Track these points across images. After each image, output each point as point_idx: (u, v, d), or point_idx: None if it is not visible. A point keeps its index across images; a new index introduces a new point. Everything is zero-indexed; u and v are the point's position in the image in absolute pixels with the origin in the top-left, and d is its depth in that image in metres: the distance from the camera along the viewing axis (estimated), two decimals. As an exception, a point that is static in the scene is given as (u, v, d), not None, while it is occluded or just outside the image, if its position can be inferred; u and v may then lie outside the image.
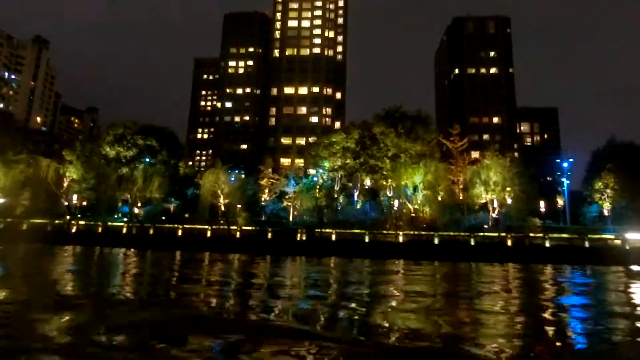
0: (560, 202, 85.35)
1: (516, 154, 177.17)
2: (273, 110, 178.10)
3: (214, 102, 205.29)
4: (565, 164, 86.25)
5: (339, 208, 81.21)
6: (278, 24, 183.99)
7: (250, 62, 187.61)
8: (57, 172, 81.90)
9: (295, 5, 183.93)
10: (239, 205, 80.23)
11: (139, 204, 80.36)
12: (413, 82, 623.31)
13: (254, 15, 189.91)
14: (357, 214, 78.27)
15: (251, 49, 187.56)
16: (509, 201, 75.67)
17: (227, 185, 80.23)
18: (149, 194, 78.44)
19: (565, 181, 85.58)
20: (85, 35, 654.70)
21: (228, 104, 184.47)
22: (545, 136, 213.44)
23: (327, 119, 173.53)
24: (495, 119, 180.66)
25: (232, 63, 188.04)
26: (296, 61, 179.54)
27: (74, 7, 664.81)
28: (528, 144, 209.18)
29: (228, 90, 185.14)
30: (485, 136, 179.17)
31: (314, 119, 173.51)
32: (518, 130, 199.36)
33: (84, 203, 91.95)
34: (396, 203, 76.02)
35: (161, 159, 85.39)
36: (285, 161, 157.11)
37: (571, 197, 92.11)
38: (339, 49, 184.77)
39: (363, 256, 62.60)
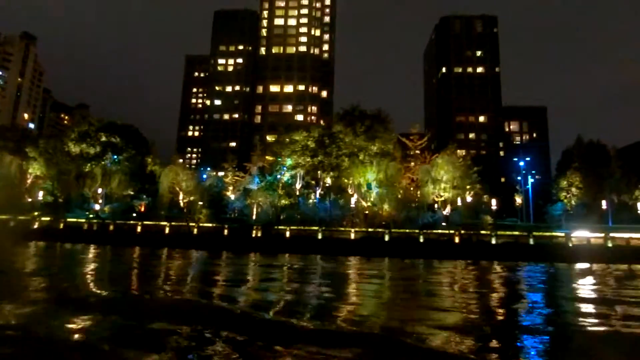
0: (518, 200, 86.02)
1: (502, 153, 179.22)
2: (259, 108, 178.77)
3: (204, 100, 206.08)
4: (521, 163, 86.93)
5: (302, 206, 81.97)
6: (265, 22, 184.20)
7: (239, 60, 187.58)
8: (19, 169, 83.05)
9: (282, 4, 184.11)
10: (200, 202, 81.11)
11: (100, 201, 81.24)
12: (403, 82, 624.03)
13: (243, 12, 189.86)
14: (319, 211, 78.98)
15: (241, 47, 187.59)
16: (469, 199, 76.34)
17: (186, 182, 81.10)
18: (109, 190, 79.29)
19: (530, 179, 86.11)
20: (77, 32, 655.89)
21: (217, 102, 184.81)
22: (534, 135, 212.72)
23: (312, 117, 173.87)
24: (482, 118, 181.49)
25: (221, 61, 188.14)
26: (282, 59, 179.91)
27: (66, 4, 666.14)
28: (517, 142, 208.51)
29: (217, 88, 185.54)
30: (472, 135, 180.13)
31: (300, 117, 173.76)
32: (507, 129, 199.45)
33: (58, 199, 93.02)
34: (353, 200, 76.80)
35: (127, 156, 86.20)
36: (270, 159, 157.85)
37: (543, 195, 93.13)
38: (325, 47, 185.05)
39: (316, 253, 63.33)
